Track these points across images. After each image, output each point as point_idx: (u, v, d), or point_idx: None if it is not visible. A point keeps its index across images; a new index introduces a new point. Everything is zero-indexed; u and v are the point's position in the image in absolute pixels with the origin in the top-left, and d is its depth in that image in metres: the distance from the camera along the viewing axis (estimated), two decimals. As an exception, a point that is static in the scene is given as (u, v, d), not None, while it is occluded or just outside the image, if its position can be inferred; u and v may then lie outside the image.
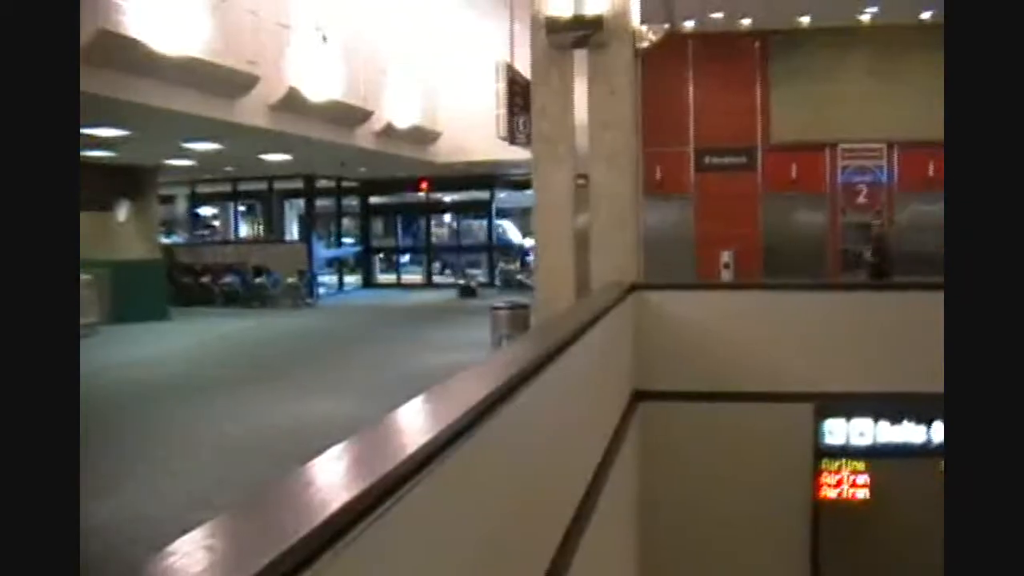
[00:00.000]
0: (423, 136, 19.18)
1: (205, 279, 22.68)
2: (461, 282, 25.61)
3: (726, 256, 11.60)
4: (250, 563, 0.92)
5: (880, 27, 13.14)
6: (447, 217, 30.77)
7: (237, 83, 11.79)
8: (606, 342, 3.99)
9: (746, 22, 12.89)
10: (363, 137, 16.63)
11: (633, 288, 5.21)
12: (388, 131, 17.24)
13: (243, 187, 27.38)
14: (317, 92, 13.37)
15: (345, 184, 27.31)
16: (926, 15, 12.86)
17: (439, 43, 19.09)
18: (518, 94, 10.20)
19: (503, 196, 27.28)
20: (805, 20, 12.94)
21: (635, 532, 5.06)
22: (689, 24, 12.66)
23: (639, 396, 5.06)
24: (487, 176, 24.79)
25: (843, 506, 5.30)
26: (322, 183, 26.27)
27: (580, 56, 5.71)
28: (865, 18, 12.96)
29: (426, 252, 29.48)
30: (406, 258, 30.34)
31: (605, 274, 5.38)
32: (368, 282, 28.51)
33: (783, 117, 13.32)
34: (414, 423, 1.70)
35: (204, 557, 0.95)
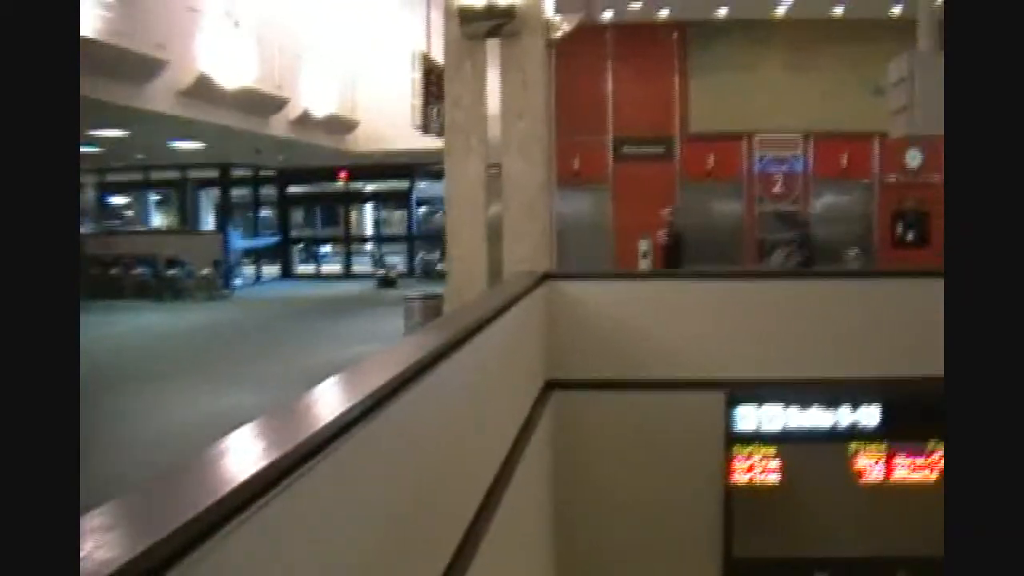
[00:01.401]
0: (340, 125, 19.02)
1: (115, 270, 22.12)
2: (380, 272, 25.50)
3: (644, 245, 11.81)
4: (146, 537, 0.99)
5: (795, 21, 13.52)
6: (367, 207, 30.58)
7: (144, 67, 11.54)
8: (516, 331, 4.08)
9: (664, 13, 13.11)
10: (278, 125, 16.42)
11: (545, 277, 5.31)
12: (304, 119, 17.06)
13: (156, 176, 26.78)
14: (229, 79, 13.16)
15: (262, 173, 26.90)
16: (838, 10, 13.28)
17: (357, 31, 18.95)
18: (433, 84, 10.22)
19: (423, 186, 27.23)
20: (723, 12, 13.24)
21: (548, 520, 5.17)
22: (607, 15, 12.84)
23: (552, 385, 5.17)
24: (407, 166, 24.71)
25: (755, 490, 5.49)
26: (238, 172, 25.83)
27: (493, 46, 5.78)
28: (780, 11, 13.31)
29: (345, 242, 29.26)
30: (326, 248, 30.07)
31: (517, 263, 5.47)
32: (287, 273, 28.18)
33: (701, 108, 13.60)
34: (311, 409, 1.75)
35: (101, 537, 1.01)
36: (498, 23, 5.63)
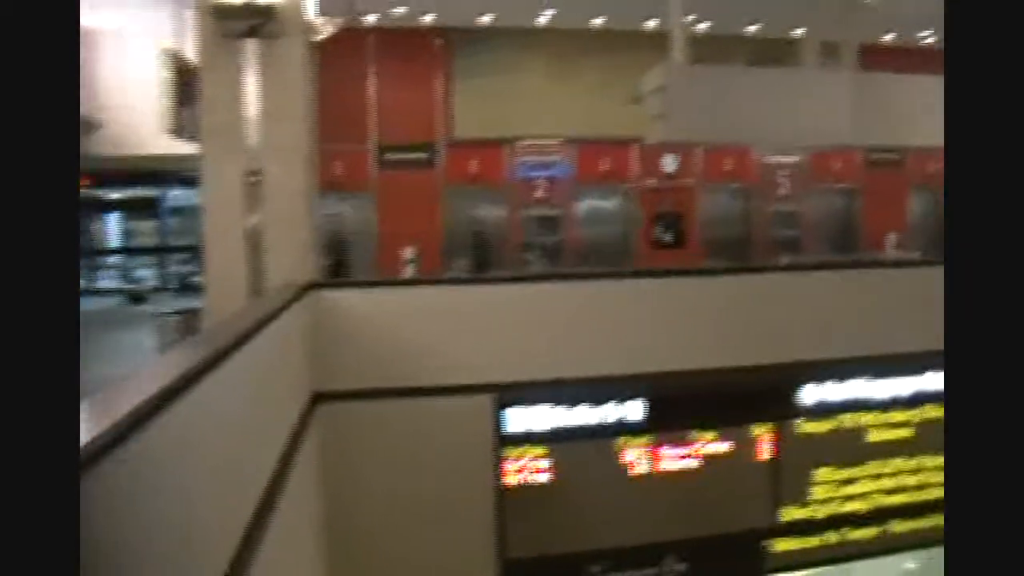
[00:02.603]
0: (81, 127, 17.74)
1: None
2: (129, 287, 23.98)
3: (409, 252, 11.82)
4: None
5: (557, 30, 14.02)
6: (112, 216, 28.67)
7: None
8: (278, 344, 3.96)
9: (428, 18, 13.21)
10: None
11: (310, 287, 5.21)
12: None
13: None
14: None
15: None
16: (598, 21, 13.91)
17: (102, 25, 17.71)
18: (187, 84, 9.74)
19: (176, 193, 25.88)
20: (486, 19, 13.50)
21: (322, 531, 5.08)
22: (371, 18, 12.76)
23: (321, 397, 5.08)
24: (158, 172, 23.38)
25: (527, 490, 5.64)
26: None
27: (252, 46, 5.58)
28: (543, 20, 13.75)
29: (88, 255, 27.30)
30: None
31: (280, 274, 5.32)
32: (21, 291, 25.90)
33: (465, 114, 13.79)
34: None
35: None
36: (256, 22, 5.44)
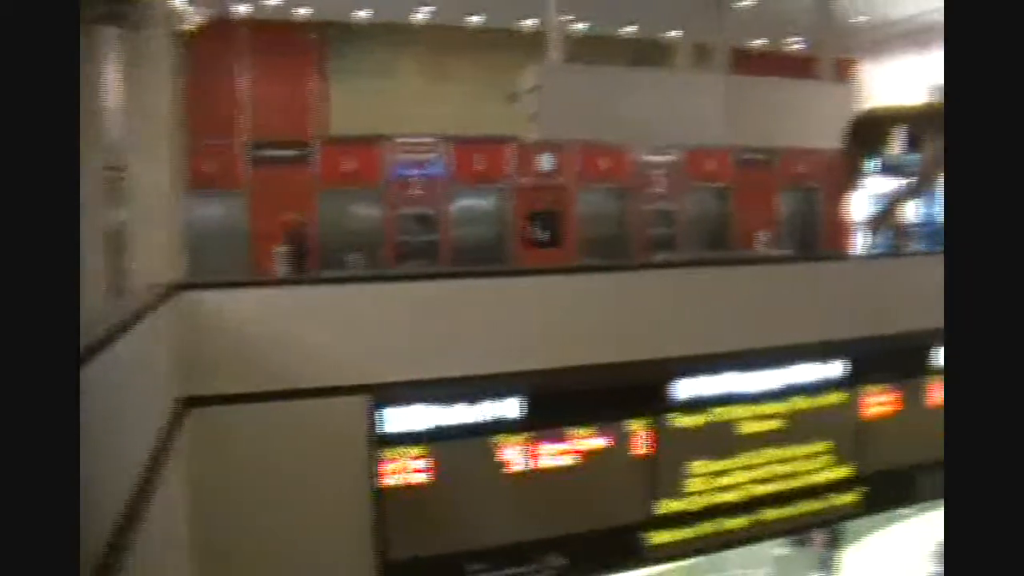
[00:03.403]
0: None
1: None
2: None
3: (282, 251, 11.61)
4: None
5: (435, 27, 14.02)
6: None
7: None
8: (141, 349, 3.84)
9: (303, 12, 13.00)
10: None
11: (179, 288, 5.06)
12: None
13: None
14: None
15: None
16: (475, 19, 13.97)
17: None
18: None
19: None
20: (363, 14, 13.39)
21: (193, 537, 4.95)
22: (242, 9, 12.48)
23: (193, 402, 4.95)
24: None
25: (406, 491, 5.63)
26: None
27: (113, 35, 5.38)
28: (419, 17, 13.72)
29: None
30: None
31: (144, 275, 5.15)
32: None
33: (341, 111, 13.64)
34: None
35: None
36: (116, 8, 5.23)
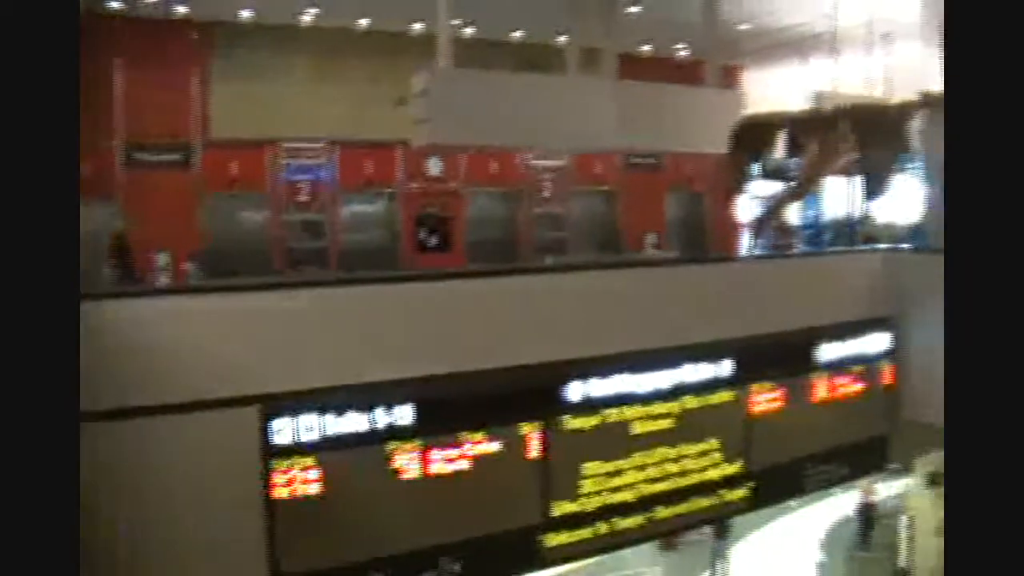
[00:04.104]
0: None
1: None
2: None
3: (163, 259, 11.32)
4: None
5: (322, 29, 13.89)
6: None
7: None
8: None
9: (183, 9, 12.70)
10: None
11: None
12: None
13: None
14: None
15: None
16: (363, 22, 13.89)
17: None
18: None
19: None
20: (247, 14, 13.16)
21: (85, 552, 4.78)
22: (115, 4, 12.11)
23: (84, 417, 4.79)
24: None
25: (298, 503, 5.56)
26: None
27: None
28: (307, 18, 13.57)
29: None
30: None
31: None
32: None
33: (224, 113, 13.39)
34: None
35: None
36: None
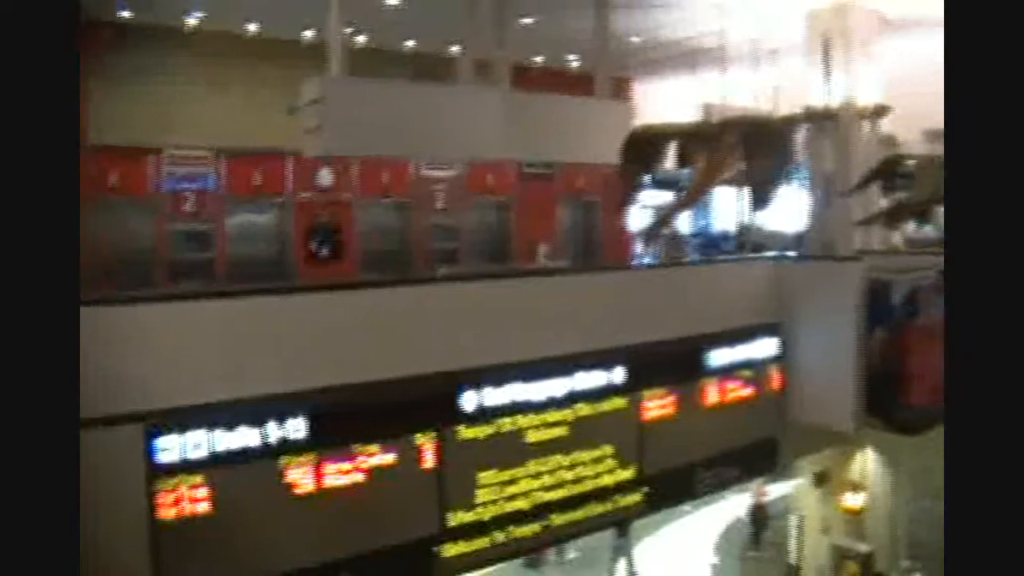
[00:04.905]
0: None
1: None
2: None
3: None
4: None
5: (210, 34, 13.60)
6: None
7: None
8: None
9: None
10: None
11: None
12: None
13: None
14: None
15: None
16: (252, 27, 13.67)
17: None
18: None
19: None
20: (127, 14, 12.80)
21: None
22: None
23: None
24: None
25: (186, 523, 5.43)
26: None
27: None
28: (192, 21, 13.28)
29: None
30: None
31: None
32: None
33: (103, 118, 12.97)
34: None
35: None
36: None
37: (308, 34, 13.55)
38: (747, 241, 13.03)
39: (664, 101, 20.93)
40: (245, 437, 5.62)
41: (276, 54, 13.60)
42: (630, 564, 14.45)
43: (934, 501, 15.62)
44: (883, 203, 11.06)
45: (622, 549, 14.28)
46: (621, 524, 8.52)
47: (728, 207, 15.34)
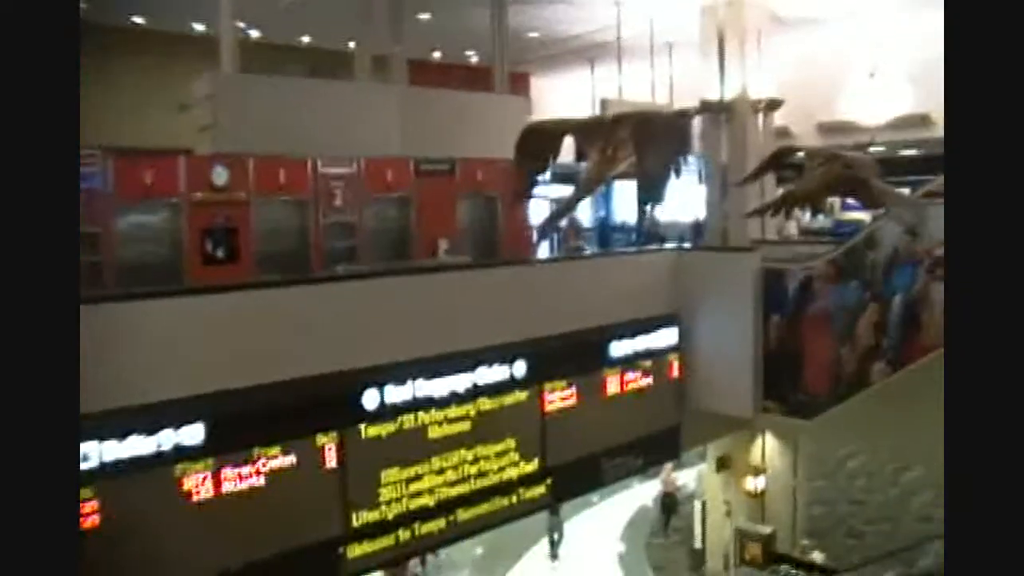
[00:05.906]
0: None
1: None
2: None
3: None
4: None
5: (92, 25, 13.15)
6: None
7: None
8: None
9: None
10: None
11: None
12: None
13: None
14: None
15: None
16: (139, 20, 13.27)
17: None
18: None
19: None
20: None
21: None
22: None
23: None
24: None
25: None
26: None
27: None
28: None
29: None
30: None
31: None
32: None
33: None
34: None
35: None
36: None
37: (199, 28, 13.23)
38: (645, 232, 13.23)
39: (562, 96, 21.12)
40: (137, 446, 5.44)
41: (167, 48, 13.24)
42: (556, 542, 14.80)
43: (827, 481, 16.17)
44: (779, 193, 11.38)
45: (555, 526, 14.75)
46: (529, 516, 8.54)
47: (627, 199, 15.57)
